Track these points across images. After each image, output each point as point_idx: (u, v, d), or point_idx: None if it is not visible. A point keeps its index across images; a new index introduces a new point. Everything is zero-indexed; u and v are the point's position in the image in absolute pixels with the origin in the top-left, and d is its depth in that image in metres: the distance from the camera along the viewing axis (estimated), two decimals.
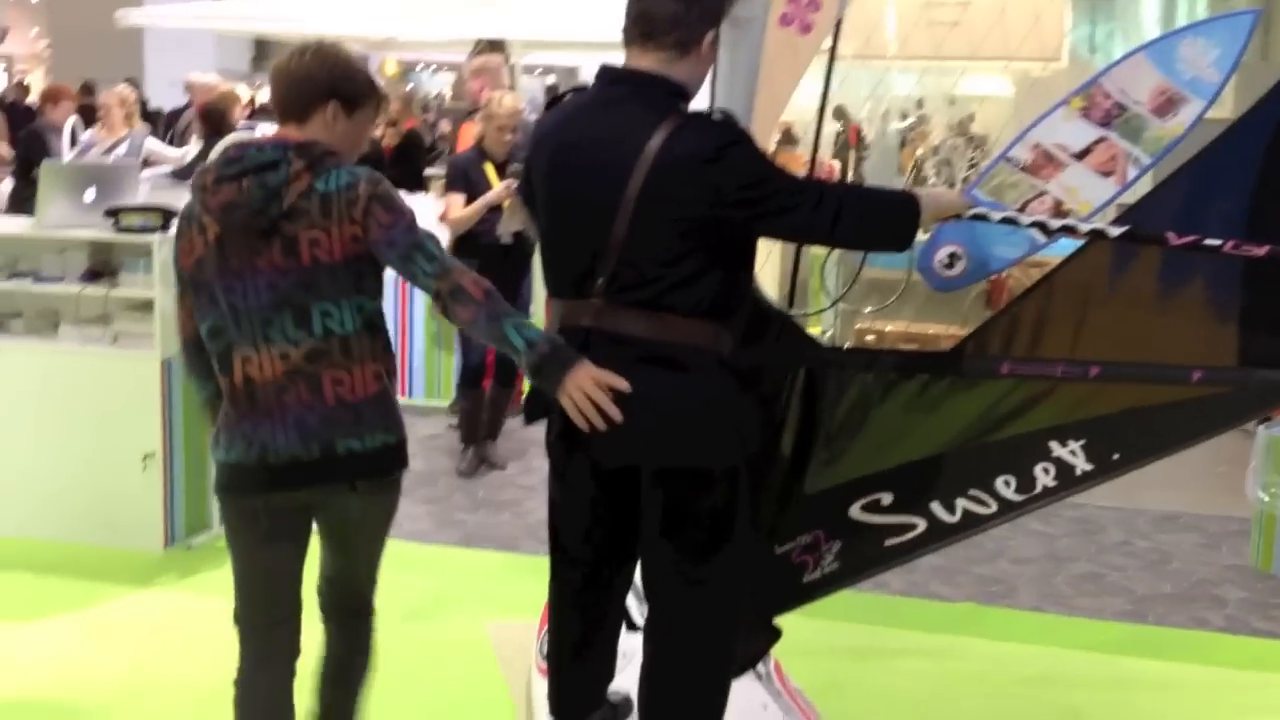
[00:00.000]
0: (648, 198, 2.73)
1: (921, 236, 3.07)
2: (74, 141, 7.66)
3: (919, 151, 11.06)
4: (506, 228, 5.86)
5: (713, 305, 2.81)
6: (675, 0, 2.80)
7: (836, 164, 10.48)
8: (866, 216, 2.84)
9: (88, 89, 13.79)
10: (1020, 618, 4.65)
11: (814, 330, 6.65)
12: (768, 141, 3.46)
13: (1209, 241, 2.77)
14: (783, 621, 3.44)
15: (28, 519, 5.03)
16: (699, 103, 3.08)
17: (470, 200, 5.87)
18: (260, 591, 2.96)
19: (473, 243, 5.91)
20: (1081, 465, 3.00)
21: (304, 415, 2.77)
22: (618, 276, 2.80)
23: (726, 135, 2.77)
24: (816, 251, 6.39)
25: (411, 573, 4.87)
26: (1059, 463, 3.01)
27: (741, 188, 2.73)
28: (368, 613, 3.14)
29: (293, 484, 2.82)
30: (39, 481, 5.01)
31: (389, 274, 2.89)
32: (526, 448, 6.49)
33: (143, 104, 13.41)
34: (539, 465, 6.10)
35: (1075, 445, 2.99)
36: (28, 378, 4.99)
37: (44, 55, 27.91)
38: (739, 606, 3.00)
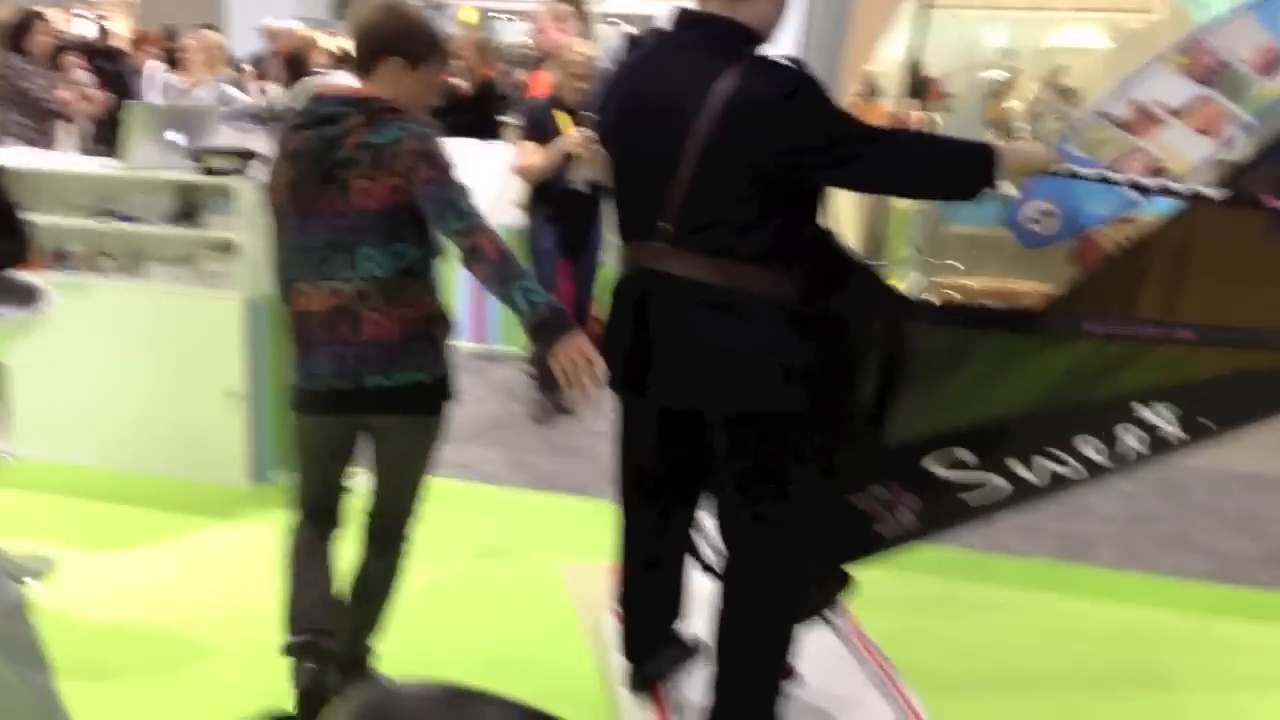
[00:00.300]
0: (714, 141, 2.73)
1: (1013, 192, 3.02)
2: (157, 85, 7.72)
3: (1007, 105, 10.85)
4: (580, 175, 5.84)
5: (775, 251, 2.81)
6: None
7: (922, 115, 10.32)
8: (936, 167, 2.81)
9: (170, 34, 13.94)
10: (1100, 575, 4.59)
11: (896, 284, 6.57)
12: (853, 89, 3.42)
13: None
14: (861, 574, 3.42)
15: (116, 450, 5.13)
16: (786, 48, 3.06)
17: (544, 147, 5.85)
18: (312, 491, 3.32)
19: (547, 190, 5.90)
20: (1171, 430, 2.94)
21: (342, 350, 3.04)
22: (682, 220, 2.81)
23: (795, 80, 2.75)
24: (899, 205, 6.34)
25: (486, 514, 4.93)
26: (1145, 425, 2.95)
27: (808, 133, 2.72)
28: (397, 540, 3.35)
29: (329, 409, 3.13)
30: (127, 416, 5.11)
31: None
32: (599, 395, 6.48)
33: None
34: (612, 413, 6.12)
35: (1162, 408, 2.92)
36: (116, 315, 5.07)
37: (128, 1, 28.27)
38: (808, 551, 3.01)
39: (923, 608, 4.21)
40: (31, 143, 7.12)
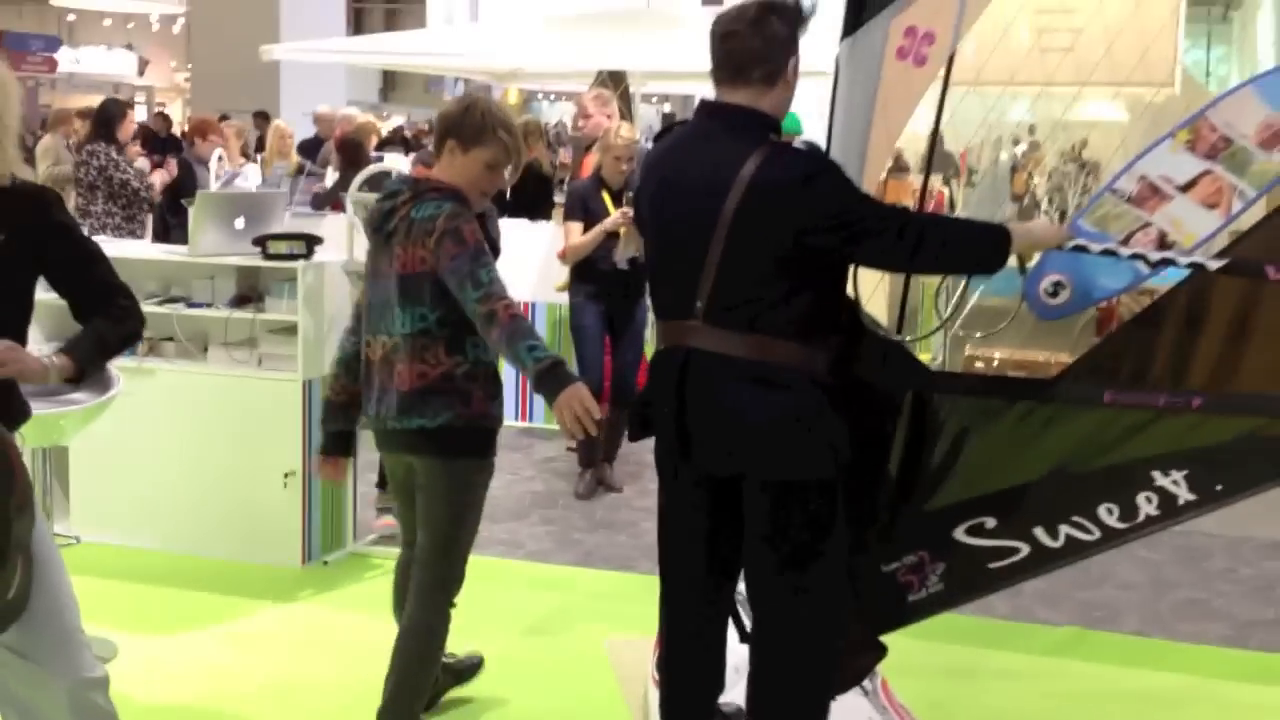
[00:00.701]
0: (741, 221, 2.95)
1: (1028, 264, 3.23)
2: (221, 170, 8.12)
3: (1031, 179, 11.08)
4: (623, 254, 6.11)
5: (805, 326, 3.01)
6: (756, 39, 3.03)
7: (946, 191, 10.56)
8: (949, 248, 3.01)
9: (224, 119, 14.46)
10: (1123, 641, 4.74)
11: (924, 357, 6.77)
12: (883, 168, 3.62)
13: None
14: (890, 642, 3.56)
15: (174, 534, 5.34)
16: (818, 135, 3.29)
17: (588, 228, 6.12)
18: (405, 534, 3.80)
19: (591, 269, 6.17)
20: (1183, 494, 3.07)
21: (384, 394, 3.53)
22: (715, 298, 3.02)
23: (814, 163, 3.01)
24: (928, 280, 6.56)
25: (533, 590, 5.12)
26: (1161, 492, 3.09)
27: (827, 213, 2.94)
28: (427, 595, 3.59)
29: (385, 447, 3.66)
30: (185, 498, 5.34)
31: None
32: (642, 471, 6.70)
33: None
34: (654, 488, 6.29)
35: (1178, 475, 3.06)
36: (177, 398, 5.32)
37: (183, 87, 29.03)
38: (839, 615, 3.17)
39: (951, 675, 4.36)
40: (116, 230, 7.43)
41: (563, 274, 6.58)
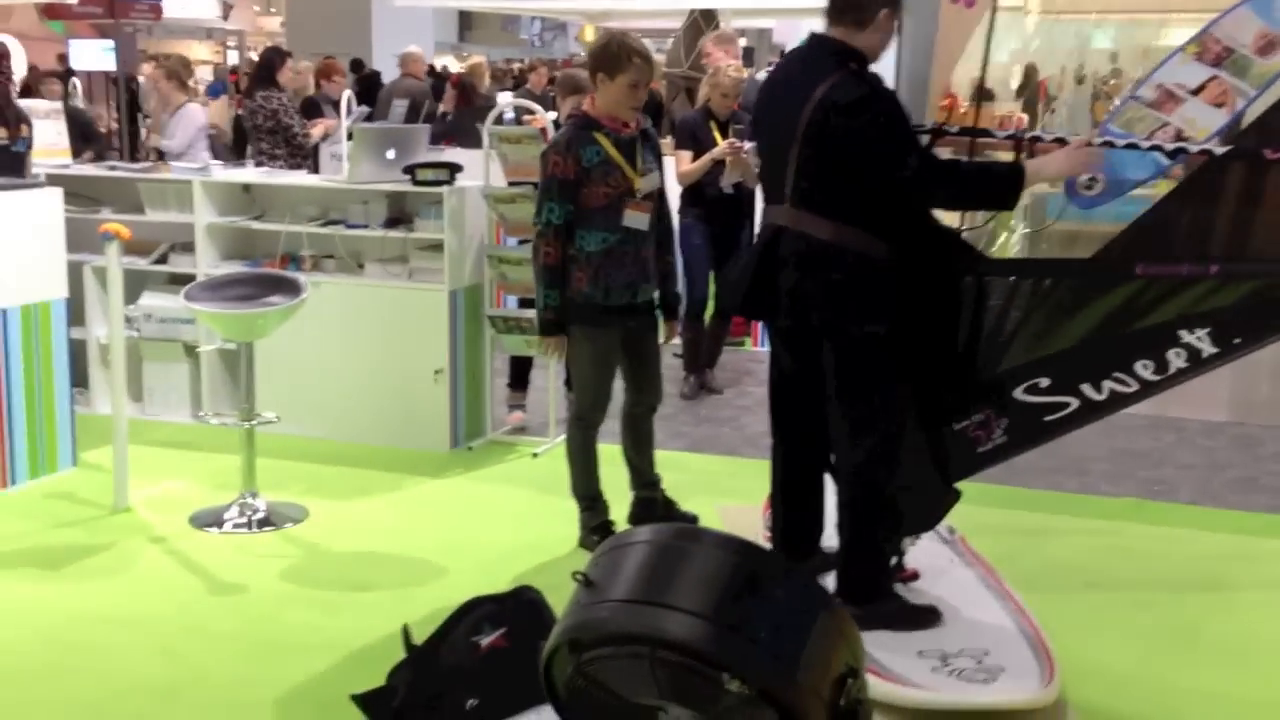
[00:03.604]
0: (810, 130, 3.74)
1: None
2: (349, 111, 8.78)
3: (1109, 106, 11.50)
4: (728, 180, 6.76)
5: (861, 214, 3.76)
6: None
7: (1025, 116, 11.00)
8: (964, 185, 3.72)
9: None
10: (1177, 510, 5.37)
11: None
12: (939, 96, 4.27)
13: None
14: (968, 510, 4.23)
15: (340, 424, 6.13)
16: (886, 67, 3.97)
17: (697, 156, 6.75)
18: None
19: (699, 193, 6.83)
20: (1207, 348, 3.68)
21: None
22: (797, 188, 3.82)
23: (866, 92, 3.72)
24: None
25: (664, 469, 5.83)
26: (1187, 347, 3.70)
27: (861, 135, 3.67)
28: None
29: None
30: (349, 394, 6.11)
31: None
32: (740, 377, 7.38)
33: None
34: (752, 390, 7.01)
35: (1201, 332, 3.67)
36: (338, 308, 6.06)
37: (273, 31, 29.80)
38: (896, 439, 3.90)
39: (1021, 534, 5.04)
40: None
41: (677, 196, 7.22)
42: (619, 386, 4.85)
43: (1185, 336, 3.69)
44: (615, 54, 4.46)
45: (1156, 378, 3.76)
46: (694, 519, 4.91)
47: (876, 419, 3.88)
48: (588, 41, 24.77)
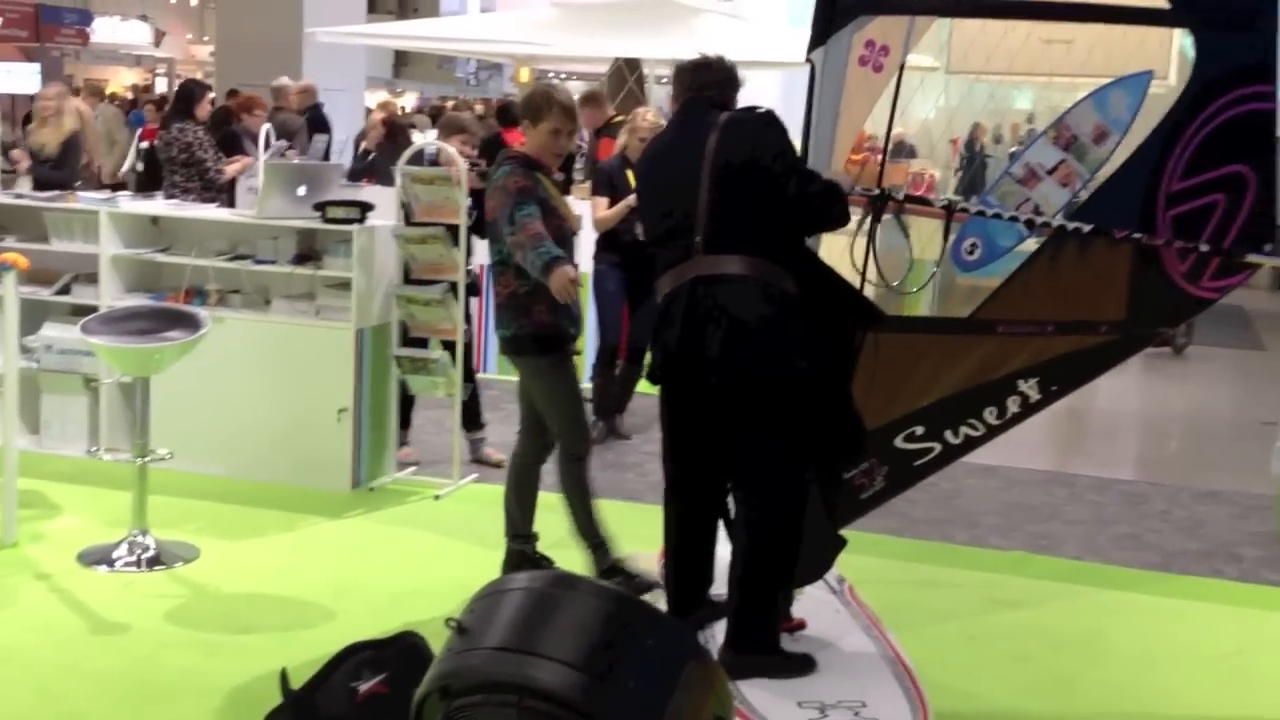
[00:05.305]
0: (720, 152, 3.90)
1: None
2: (267, 146, 8.76)
3: None
4: (648, 235, 6.81)
5: (776, 249, 3.89)
6: (717, 73, 4.14)
7: (938, 173, 11.26)
8: (839, 209, 3.94)
9: (234, 93, 15.03)
10: (1062, 564, 5.49)
11: None
12: (848, 149, 4.44)
13: (1136, 235, 3.96)
14: (857, 559, 4.36)
15: (241, 462, 6.08)
16: (794, 126, 4.12)
17: (613, 203, 6.82)
18: None
19: (614, 239, 6.89)
20: (1034, 395, 4.08)
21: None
22: (710, 228, 3.92)
23: (765, 118, 3.97)
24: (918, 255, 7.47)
25: (552, 515, 5.79)
26: (1022, 395, 4.08)
27: (776, 149, 3.90)
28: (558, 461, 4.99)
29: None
30: (251, 432, 6.07)
31: None
32: (650, 422, 7.40)
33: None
34: (658, 435, 7.02)
35: (1032, 381, 4.06)
36: (243, 344, 6.04)
37: (204, 60, 29.66)
38: (804, 489, 3.99)
39: (909, 585, 5.13)
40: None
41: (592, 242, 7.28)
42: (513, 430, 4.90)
43: (1021, 385, 4.07)
44: (539, 104, 4.68)
45: (998, 422, 4.12)
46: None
47: (791, 465, 3.96)
48: (523, 82, 24.95)
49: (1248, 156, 3.91)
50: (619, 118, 9.85)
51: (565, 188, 9.53)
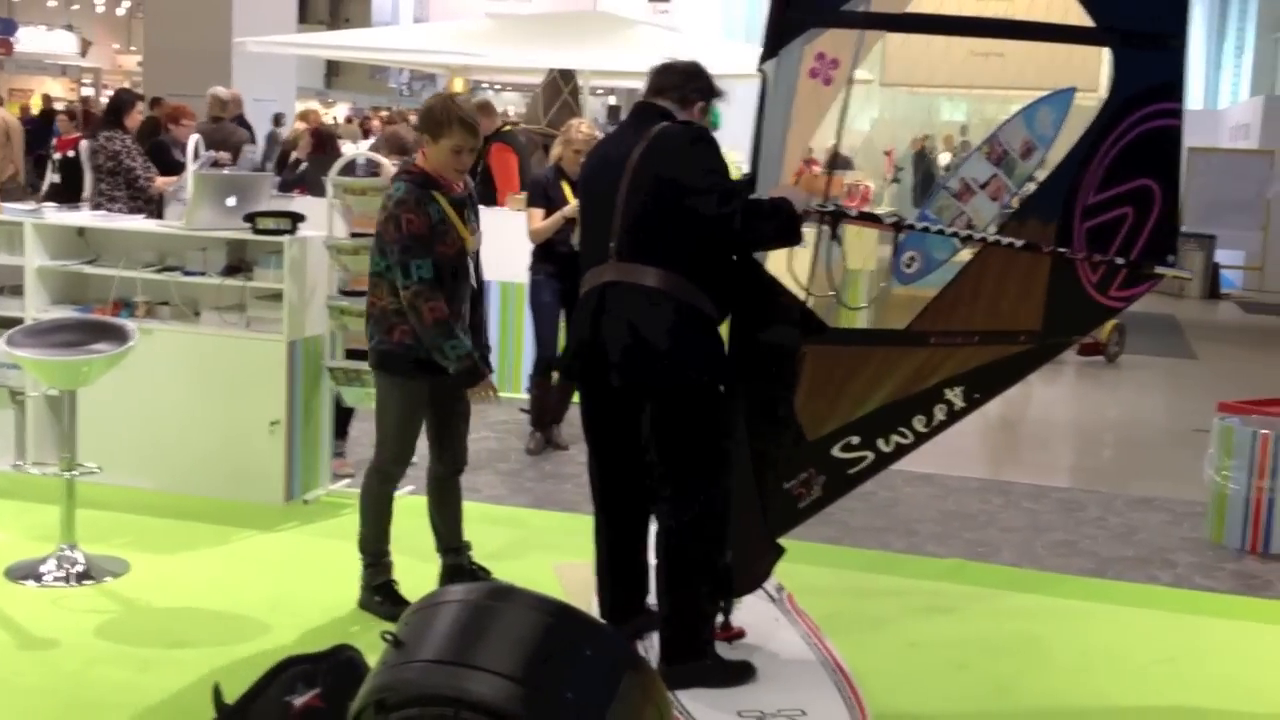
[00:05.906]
0: (642, 165, 3.93)
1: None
2: (196, 156, 8.64)
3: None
4: (578, 237, 6.79)
5: (688, 264, 3.91)
6: (678, 75, 4.13)
7: (872, 185, 11.33)
8: (776, 226, 3.89)
9: (156, 102, 14.83)
10: (998, 571, 5.52)
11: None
12: (797, 162, 4.46)
13: (1061, 249, 4.04)
14: (795, 568, 4.35)
15: (172, 476, 5.97)
16: (743, 137, 4.13)
17: (549, 214, 6.79)
18: None
19: (550, 251, 6.85)
20: (959, 403, 4.14)
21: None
22: (623, 237, 3.95)
23: (692, 134, 4.00)
24: (851, 266, 7.52)
25: (491, 526, 5.80)
26: (948, 403, 4.14)
27: (700, 167, 3.90)
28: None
29: None
30: (182, 445, 5.97)
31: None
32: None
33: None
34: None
35: (958, 390, 4.13)
36: (173, 357, 5.94)
37: (130, 69, 29.31)
38: (724, 498, 4.01)
39: (847, 594, 5.13)
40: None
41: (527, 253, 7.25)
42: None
43: (947, 394, 4.14)
44: (439, 119, 4.49)
45: (926, 430, 4.18)
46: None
47: (703, 474, 3.95)
48: (457, 93, 24.96)
49: (1155, 171, 4.02)
50: (522, 125, 9.88)
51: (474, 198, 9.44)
